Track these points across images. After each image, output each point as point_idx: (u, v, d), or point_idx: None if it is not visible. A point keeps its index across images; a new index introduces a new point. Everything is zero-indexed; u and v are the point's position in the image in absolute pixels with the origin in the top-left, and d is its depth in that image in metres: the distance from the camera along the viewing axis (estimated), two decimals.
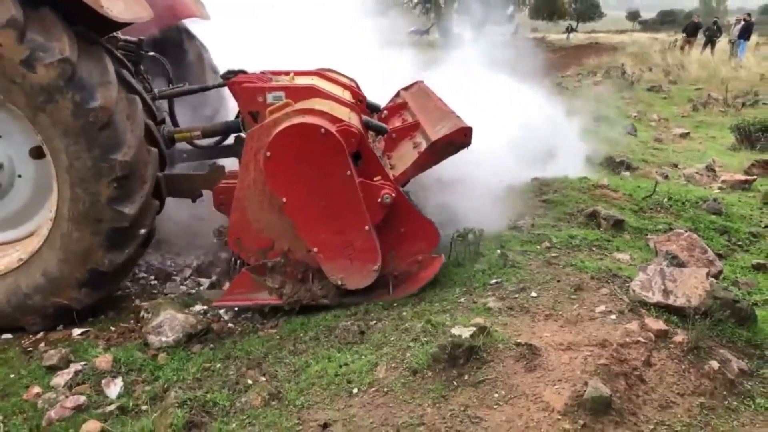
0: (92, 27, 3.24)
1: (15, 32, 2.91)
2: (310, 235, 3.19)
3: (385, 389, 2.43)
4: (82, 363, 2.98)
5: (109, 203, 3.17)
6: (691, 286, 2.93)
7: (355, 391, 2.47)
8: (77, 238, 3.20)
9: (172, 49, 5.01)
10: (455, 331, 2.56)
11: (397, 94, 4.95)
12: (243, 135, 4.21)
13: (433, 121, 3.72)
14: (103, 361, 2.98)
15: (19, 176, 3.42)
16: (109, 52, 3.39)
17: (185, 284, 4.01)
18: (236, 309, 3.56)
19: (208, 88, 4.61)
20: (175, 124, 4.27)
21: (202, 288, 3.95)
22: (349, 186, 3.11)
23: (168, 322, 3.16)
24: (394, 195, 3.19)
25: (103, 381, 2.85)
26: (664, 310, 2.88)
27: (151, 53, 4.48)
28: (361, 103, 4.20)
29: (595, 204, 4.62)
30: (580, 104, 11.44)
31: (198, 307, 3.58)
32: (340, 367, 2.67)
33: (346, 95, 4.06)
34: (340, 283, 3.25)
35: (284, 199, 3.12)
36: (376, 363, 2.62)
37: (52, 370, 2.96)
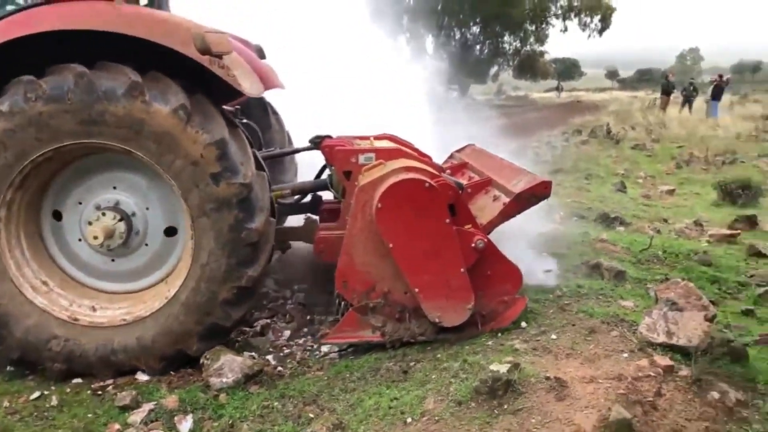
0: (217, 95, 3.73)
1: (218, 151, 3.42)
2: (412, 276, 3.58)
3: (436, 418, 2.80)
4: (153, 403, 3.32)
5: (222, 304, 3.60)
6: (691, 328, 3.35)
7: (409, 420, 2.84)
8: (182, 321, 3.60)
9: (255, 116, 5.60)
10: (493, 367, 2.96)
11: (451, 156, 5.47)
12: (319, 193, 4.77)
13: (506, 177, 4.17)
14: (171, 401, 3.32)
15: (146, 245, 3.84)
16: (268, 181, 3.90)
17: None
18: (282, 354, 3.94)
19: (298, 151, 5.19)
20: None
21: (246, 336, 4.30)
22: (448, 233, 3.53)
23: (228, 364, 3.51)
24: (486, 241, 3.62)
25: (175, 418, 3.19)
26: (668, 348, 3.29)
27: (245, 120, 5.04)
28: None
29: (597, 257, 5.08)
30: (571, 163, 12.12)
31: (247, 354, 3.93)
32: (392, 400, 3.04)
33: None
34: (437, 320, 3.62)
35: (391, 245, 3.53)
36: (424, 396, 3.00)
37: (125, 409, 3.29)
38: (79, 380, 3.66)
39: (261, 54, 5.49)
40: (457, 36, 44.59)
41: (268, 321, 4.49)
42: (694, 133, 17.98)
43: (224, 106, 4.49)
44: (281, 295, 4.88)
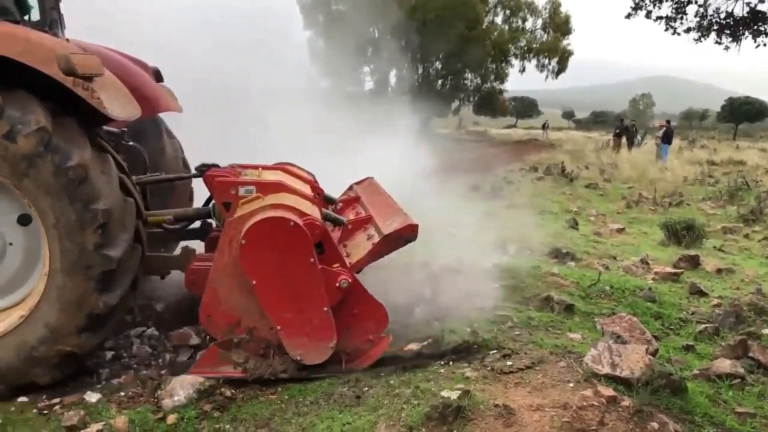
0: (90, 120, 3.73)
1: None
2: (274, 314, 3.58)
3: None
4: (101, 423, 3.26)
5: (78, 331, 3.56)
6: (633, 361, 3.49)
7: None
8: (71, 287, 3.53)
9: (148, 139, 5.50)
10: (444, 393, 3.03)
11: (350, 188, 5.44)
12: (212, 221, 4.67)
13: (383, 216, 4.23)
14: (120, 422, 3.27)
15: (11, 244, 3.75)
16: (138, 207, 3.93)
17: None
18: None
19: (182, 178, 5.15)
20: (147, 208, 4.69)
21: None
22: (312, 271, 3.55)
23: (179, 383, 3.50)
24: (350, 280, 3.65)
25: None
26: (612, 380, 3.41)
27: (131, 143, 4.96)
28: (319, 196, 4.71)
29: (548, 290, 5.24)
30: (526, 199, 12.44)
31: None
32: (344, 425, 3.07)
33: (307, 189, 4.56)
34: (299, 358, 3.63)
35: (254, 282, 3.53)
36: (376, 422, 3.04)
37: (72, 430, 3.23)
38: (24, 399, 3.58)
39: (158, 77, 5.52)
40: (420, 70, 45.47)
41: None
42: (644, 176, 18.67)
43: (110, 128, 4.52)
44: None
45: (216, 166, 4.46)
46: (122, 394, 3.65)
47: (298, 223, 3.54)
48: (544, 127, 52.82)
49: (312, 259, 3.54)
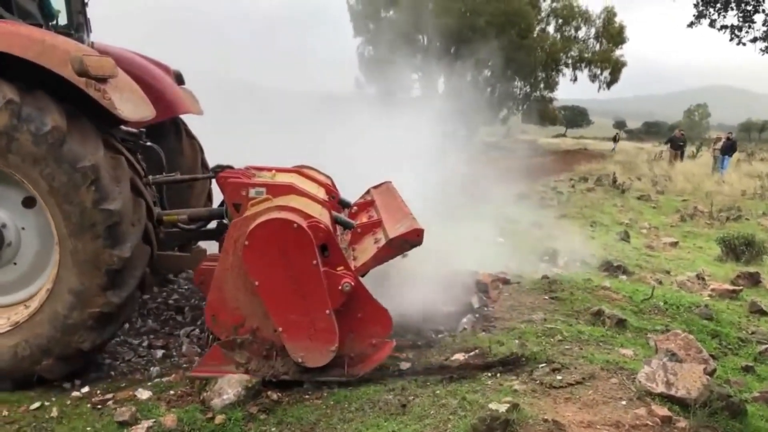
0: (104, 121, 3.86)
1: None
2: (276, 315, 3.59)
3: None
4: (152, 420, 3.33)
5: (100, 289, 3.65)
6: (690, 380, 3.37)
7: None
8: (82, 248, 3.63)
9: (167, 139, 5.61)
10: (492, 406, 2.98)
11: (368, 192, 5.40)
12: (225, 221, 4.68)
13: (393, 220, 4.20)
14: (169, 420, 3.33)
15: (23, 228, 3.87)
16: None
17: None
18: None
19: (197, 179, 5.25)
20: (163, 208, 4.80)
21: None
22: (314, 274, 3.54)
23: (226, 381, 3.54)
24: (353, 284, 3.63)
25: None
26: (667, 399, 3.29)
27: (149, 143, 5.06)
28: (333, 200, 4.72)
29: (599, 304, 5.11)
30: (576, 209, 12.23)
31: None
32: None
33: (321, 192, 4.58)
34: (300, 360, 3.63)
35: (257, 282, 3.54)
36: (421, 431, 3.01)
37: (124, 425, 3.30)
38: (79, 393, 3.69)
39: (179, 79, 5.63)
40: (468, 78, 45.23)
41: None
42: (700, 188, 18.11)
43: (128, 128, 4.62)
44: None
45: (230, 167, 4.53)
46: (171, 392, 3.71)
47: (301, 225, 3.55)
48: (615, 139, 48.86)
49: (315, 262, 3.54)
